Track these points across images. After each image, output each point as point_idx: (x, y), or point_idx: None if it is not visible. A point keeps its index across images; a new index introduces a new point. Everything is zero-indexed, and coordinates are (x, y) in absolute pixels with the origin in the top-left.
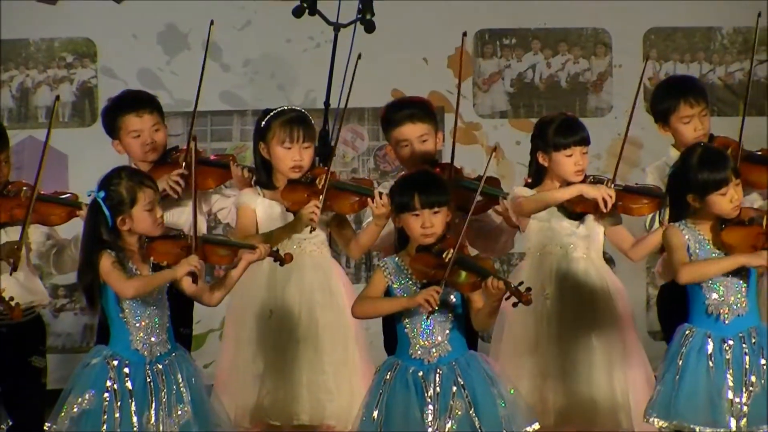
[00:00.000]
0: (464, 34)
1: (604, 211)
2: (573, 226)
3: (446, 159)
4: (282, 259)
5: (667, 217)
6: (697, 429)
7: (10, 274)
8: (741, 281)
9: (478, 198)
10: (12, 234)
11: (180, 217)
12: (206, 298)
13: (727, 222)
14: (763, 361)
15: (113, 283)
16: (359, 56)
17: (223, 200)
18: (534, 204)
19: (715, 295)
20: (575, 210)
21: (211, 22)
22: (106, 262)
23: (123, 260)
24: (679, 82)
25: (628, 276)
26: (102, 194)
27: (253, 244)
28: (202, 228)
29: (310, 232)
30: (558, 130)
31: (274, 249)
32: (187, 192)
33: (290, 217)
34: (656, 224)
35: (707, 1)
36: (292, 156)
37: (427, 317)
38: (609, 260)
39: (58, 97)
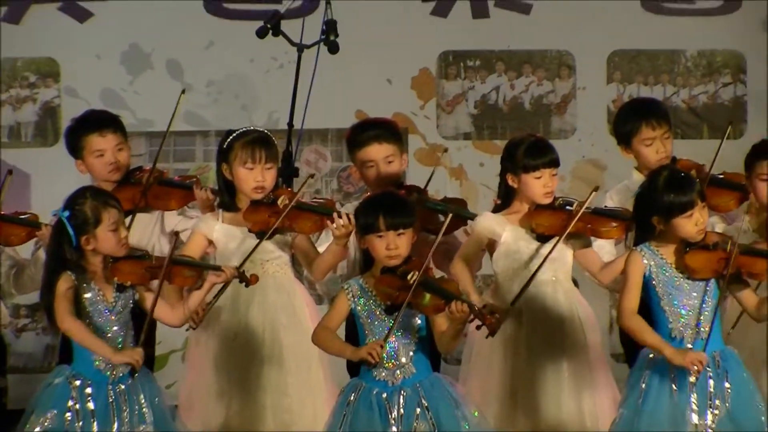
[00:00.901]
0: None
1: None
2: (542, 248)
3: (410, 180)
4: (248, 280)
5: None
6: None
7: None
8: (705, 305)
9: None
10: None
11: (142, 238)
12: (169, 319)
13: (691, 245)
14: (727, 385)
15: (57, 309)
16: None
17: (185, 221)
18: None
19: (680, 321)
20: (542, 233)
21: (183, 91)
22: (62, 286)
23: (85, 280)
24: (642, 104)
25: (591, 299)
26: (66, 213)
27: (219, 266)
28: (165, 249)
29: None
30: (527, 152)
31: (240, 270)
32: (151, 211)
33: (251, 238)
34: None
35: (671, 24)
36: (254, 177)
37: (372, 371)
38: (573, 283)
39: (10, 171)
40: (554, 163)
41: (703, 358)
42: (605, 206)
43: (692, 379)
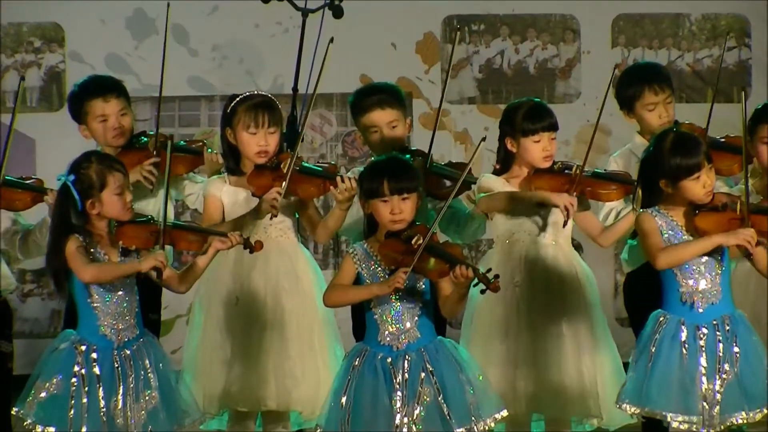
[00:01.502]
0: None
1: (565, 219)
2: (541, 212)
3: (415, 145)
4: (252, 247)
5: (639, 203)
6: (668, 416)
7: None
8: (715, 269)
9: (448, 184)
10: None
11: (148, 204)
12: (174, 285)
13: (700, 207)
14: (736, 349)
15: (73, 266)
16: (331, 39)
17: (191, 186)
18: (490, 206)
19: (689, 282)
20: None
21: (168, 5)
22: (72, 246)
23: (91, 245)
24: (644, 69)
25: (596, 263)
26: (71, 178)
27: (224, 231)
28: (170, 214)
29: (271, 219)
30: (526, 116)
31: (245, 237)
32: (157, 178)
33: (254, 202)
34: (611, 218)
35: None
36: (257, 141)
37: (397, 297)
38: (577, 247)
39: (23, 78)
40: (553, 126)
41: (754, 234)
42: (605, 170)
43: (701, 343)
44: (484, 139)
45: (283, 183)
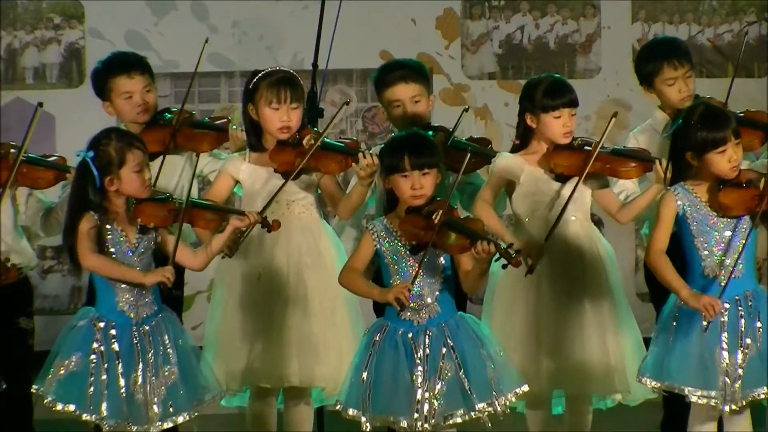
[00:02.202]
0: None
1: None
2: (560, 188)
3: (435, 121)
4: (270, 226)
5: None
6: (687, 390)
7: None
8: (738, 244)
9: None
10: None
11: (171, 180)
12: (191, 263)
13: (725, 183)
14: (758, 324)
15: (79, 247)
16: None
17: (214, 162)
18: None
19: (710, 257)
20: (561, 173)
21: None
22: (85, 225)
23: (108, 221)
24: (663, 44)
25: (617, 238)
26: (91, 154)
27: (242, 210)
28: (193, 191)
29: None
30: (546, 92)
31: (263, 216)
32: (180, 152)
33: (276, 179)
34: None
35: None
36: (279, 117)
37: (398, 314)
38: (598, 222)
39: (40, 104)
40: (573, 102)
41: (717, 304)
42: (624, 146)
43: (723, 319)
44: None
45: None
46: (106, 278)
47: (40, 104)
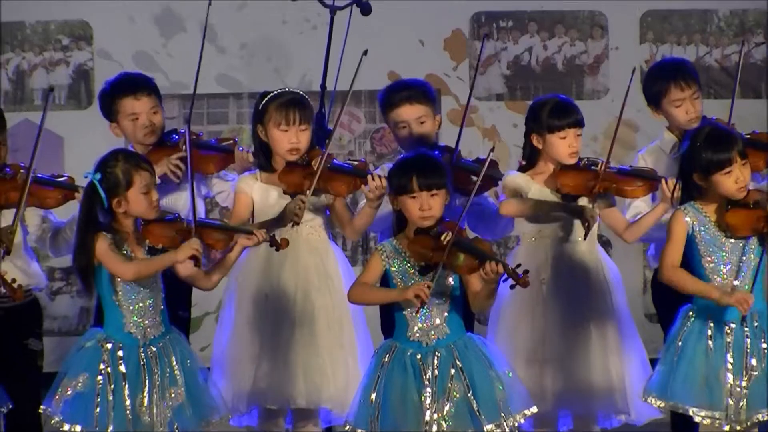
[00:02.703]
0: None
1: (585, 231)
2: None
3: (443, 141)
4: (278, 245)
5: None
6: (691, 410)
7: (2, 258)
8: (745, 264)
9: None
10: (8, 217)
11: (178, 200)
12: (202, 282)
13: (732, 203)
14: (764, 345)
15: (112, 265)
16: (365, 52)
17: (221, 183)
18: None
19: (718, 278)
20: (570, 193)
21: (209, 3)
22: (103, 245)
23: (118, 242)
24: (670, 65)
25: (625, 258)
26: (98, 176)
27: (250, 229)
28: (200, 212)
29: (292, 227)
30: (552, 112)
31: (271, 234)
32: (183, 172)
33: (286, 200)
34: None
35: None
36: (288, 138)
37: (417, 311)
38: (606, 243)
39: (51, 89)
40: (579, 123)
41: (750, 297)
42: (631, 166)
43: (729, 339)
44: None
45: (308, 191)
46: (116, 296)
47: (51, 88)
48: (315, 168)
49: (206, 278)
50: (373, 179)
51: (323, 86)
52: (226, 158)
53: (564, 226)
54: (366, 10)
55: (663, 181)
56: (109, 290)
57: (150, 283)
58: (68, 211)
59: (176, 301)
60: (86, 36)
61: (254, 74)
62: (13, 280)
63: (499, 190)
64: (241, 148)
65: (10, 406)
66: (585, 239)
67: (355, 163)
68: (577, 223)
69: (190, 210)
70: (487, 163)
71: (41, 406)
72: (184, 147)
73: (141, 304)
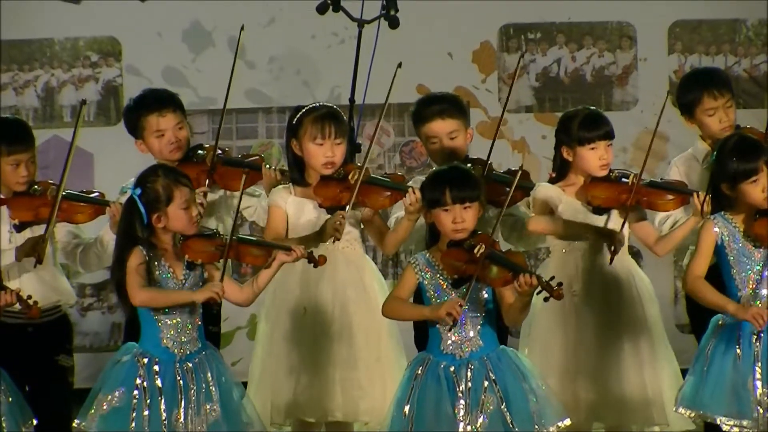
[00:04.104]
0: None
1: (611, 256)
2: (599, 221)
3: (472, 153)
4: (316, 261)
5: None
6: (719, 420)
7: (35, 267)
8: None
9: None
10: (37, 233)
11: (209, 219)
12: (238, 297)
13: (761, 212)
14: None
15: (129, 284)
16: (399, 64)
17: (248, 199)
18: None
19: (747, 289)
20: (601, 206)
21: (242, 27)
22: (133, 261)
23: (155, 257)
24: (703, 74)
25: (656, 270)
26: (138, 191)
27: (289, 245)
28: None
29: (333, 242)
30: (582, 125)
31: (309, 250)
32: (214, 190)
33: (321, 213)
34: (667, 225)
35: None
36: (324, 152)
37: (449, 329)
38: (636, 254)
39: (84, 101)
40: (609, 135)
41: (765, 313)
42: (661, 178)
43: (757, 350)
44: None
45: (348, 207)
46: (155, 310)
47: (84, 101)
48: (352, 182)
49: (241, 294)
50: (414, 192)
51: (352, 100)
52: (254, 175)
53: (596, 238)
54: (394, 24)
55: (695, 194)
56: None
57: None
58: (99, 227)
59: (207, 316)
60: (115, 52)
61: (283, 89)
62: (29, 297)
63: (530, 200)
64: (268, 166)
65: (35, 422)
66: (611, 264)
67: (393, 176)
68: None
69: (231, 227)
70: (519, 174)
71: (75, 421)
72: (211, 164)
73: (179, 320)
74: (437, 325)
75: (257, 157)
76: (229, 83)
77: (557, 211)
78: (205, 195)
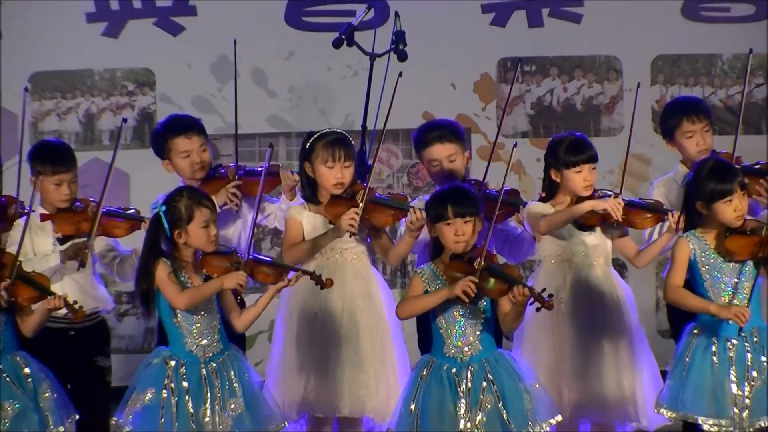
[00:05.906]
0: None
1: (617, 219)
2: (584, 236)
3: (473, 175)
4: (323, 284)
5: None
6: (700, 420)
7: (78, 270)
8: (745, 285)
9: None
10: None
11: (228, 229)
12: (235, 319)
13: (731, 230)
14: (764, 358)
15: (167, 294)
16: (400, 74)
17: (268, 206)
18: (552, 223)
19: (720, 298)
20: (586, 223)
21: (234, 42)
22: (162, 273)
23: (177, 269)
24: (683, 102)
25: (639, 280)
26: (163, 208)
27: (298, 267)
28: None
29: (350, 237)
30: (568, 149)
31: (317, 274)
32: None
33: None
34: (654, 236)
35: (709, 30)
36: (334, 174)
37: (465, 305)
38: (621, 266)
39: (125, 120)
40: (593, 158)
41: (746, 311)
42: (639, 198)
43: (731, 354)
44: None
45: (359, 207)
46: (175, 318)
47: (125, 119)
48: (359, 201)
49: (238, 317)
50: (414, 212)
51: (364, 126)
52: (273, 181)
53: (582, 251)
54: (402, 57)
55: (670, 213)
56: (169, 313)
57: (205, 306)
58: (134, 241)
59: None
60: (149, 82)
61: (301, 115)
62: (75, 302)
63: (522, 217)
64: (284, 169)
65: (77, 417)
66: (609, 230)
67: (396, 196)
68: (594, 246)
69: (246, 244)
70: (502, 192)
71: (113, 418)
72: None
73: (198, 325)
74: (441, 329)
75: (276, 164)
76: (234, 92)
77: None
78: (237, 188)
